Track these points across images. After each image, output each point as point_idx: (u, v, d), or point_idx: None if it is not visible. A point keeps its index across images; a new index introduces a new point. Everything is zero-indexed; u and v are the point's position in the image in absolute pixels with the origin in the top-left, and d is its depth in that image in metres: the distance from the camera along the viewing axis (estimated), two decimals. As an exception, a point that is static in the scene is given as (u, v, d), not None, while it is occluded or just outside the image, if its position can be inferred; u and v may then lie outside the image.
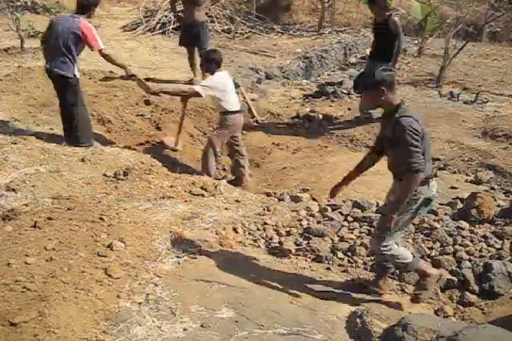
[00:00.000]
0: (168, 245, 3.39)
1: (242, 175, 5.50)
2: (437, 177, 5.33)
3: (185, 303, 2.77)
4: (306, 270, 3.48)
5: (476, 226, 3.97)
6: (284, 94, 8.55)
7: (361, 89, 2.98)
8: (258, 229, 3.99)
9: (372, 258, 3.64)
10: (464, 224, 3.96)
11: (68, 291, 2.64)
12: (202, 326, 2.59)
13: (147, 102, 6.50)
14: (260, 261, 3.52)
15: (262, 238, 3.89)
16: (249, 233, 3.92)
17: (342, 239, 3.88)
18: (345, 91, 8.29)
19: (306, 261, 3.65)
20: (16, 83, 6.62)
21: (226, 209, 4.18)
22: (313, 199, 4.63)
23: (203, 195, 4.39)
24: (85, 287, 2.71)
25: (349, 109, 7.44)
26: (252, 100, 7.73)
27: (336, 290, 3.18)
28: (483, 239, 3.78)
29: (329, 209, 4.31)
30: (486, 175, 5.37)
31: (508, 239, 3.75)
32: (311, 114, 7.23)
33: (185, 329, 2.56)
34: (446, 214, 4.21)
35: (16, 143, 4.78)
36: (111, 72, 7.63)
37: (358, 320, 2.77)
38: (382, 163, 5.89)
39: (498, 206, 4.24)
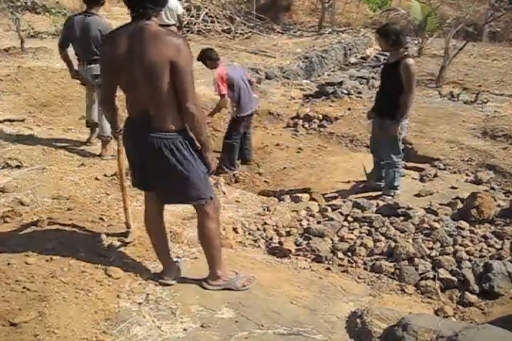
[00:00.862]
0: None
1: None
2: (437, 177, 5.33)
3: (185, 303, 2.77)
4: (306, 270, 3.48)
5: (476, 226, 3.97)
6: (284, 94, 8.55)
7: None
8: (258, 229, 4.00)
9: (373, 258, 3.64)
10: (464, 224, 3.96)
11: (68, 291, 2.64)
12: (202, 326, 2.59)
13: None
14: (260, 261, 3.52)
15: (262, 238, 3.89)
16: (249, 233, 3.92)
17: (342, 239, 3.89)
18: (345, 91, 8.29)
19: (306, 261, 3.65)
20: (15, 83, 6.63)
21: (226, 209, 4.18)
22: (313, 200, 4.64)
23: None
24: (85, 287, 2.71)
25: (349, 109, 7.45)
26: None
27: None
28: (483, 239, 3.78)
29: (329, 209, 4.31)
30: (486, 175, 5.37)
31: (508, 239, 3.75)
32: (311, 114, 7.24)
33: (185, 330, 2.56)
34: (446, 214, 4.21)
35: (16, 144, 4.79)
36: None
37: (358, 320, 2.77)
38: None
39: (498, 206, 4.24)
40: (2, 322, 2.38)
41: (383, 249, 3.71)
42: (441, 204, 4.48)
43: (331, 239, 3.89)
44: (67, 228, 3.26)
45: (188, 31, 12.27)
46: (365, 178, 5.05)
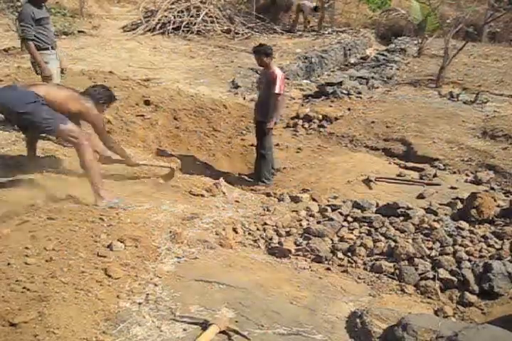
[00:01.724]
0: (168, 245, 3.39)
1: None
2: (437, 177, 5.34)
3: (185, 303, 2.77)
4: (306, 270, 3.48)
5: (476, 226, 3.97)
6: (284, 94, 8.54)
7: None
8: (258, 229, 3.99)
9: (373, 258, 3.64)
10: (464, 224, 3.96)
11: (68, 291, 2.64)
12: (202, 326, 2.59)
13: (147, 102, 6.51)
14: (260, 261, 3.52)
15: (262, 238, 3.89)
16: (249, 233, 3.92)
17: (342, 239, 3.88)
18: (344, 91, 8.30)
19: (306, 261, 3.65)
20: (15, 83, 6.61)
21: (226, 209, 4.18)
22: (313, 200, 4.64)
23: (202, 195, 4.40)
24: (85, 287, 2.71)
25: (349, 109, 7.45)
26: (252, 100, 7.73)
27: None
28: (483, 239, 3.77)
29: (329, 209, 4.31)
30: (485, 175, 5.37)
31: (508, 239, 3.75)
32: (311, 114, 7.24)
33: (185, 330, 2.56)
34: (446, 214, 4.21)
35: (15, 144, 4.79)
36: (110, 72, 7.64)
37: (357, 320, 2.77)
38: (382, 163, 5.92)
39: (498, 206, 4.24)
40: (2, 322, 2.38)
41: (383, 249, 3.71)
42: (441, 204, 4.48)
43: (331, 239, 3.89)
44: (67, 228, 3.26)
45: (187, 31, 12.28)
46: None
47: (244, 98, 7.79)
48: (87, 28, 12.09)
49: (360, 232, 3.97)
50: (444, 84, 9.03)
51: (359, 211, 4.28)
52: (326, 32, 13.65)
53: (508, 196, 4.87)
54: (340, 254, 3.71)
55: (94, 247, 3.12)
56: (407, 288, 3.36)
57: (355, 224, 4.05)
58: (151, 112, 6.52)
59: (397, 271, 3.49)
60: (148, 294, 2.81)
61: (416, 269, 3.48)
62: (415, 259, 3.55)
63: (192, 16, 12.72)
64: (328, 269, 3.55)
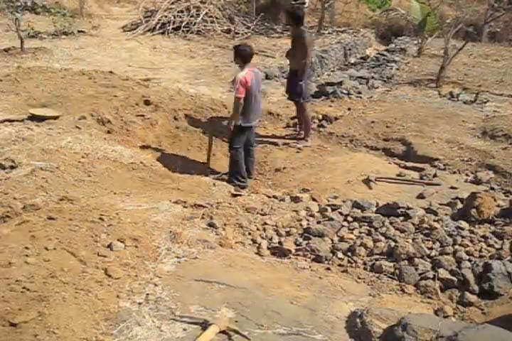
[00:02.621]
0: (168, 245, 3.39)
1: None
2: (437, 177, 5.34)
3: (185, 303, 2.77)
4: (306, 270, 3.48)
5: (476, 226, 3.97)
6: (284, 94, 8.54)
7: None
8: (258, 229, 3.99)
9: (373, 258, 3.64)
10: (464, 224, 3.96)
11: (68, 291, 2.64)
12: (202, 326, 2.59)
13: (147, 102, 6.51)
14: (260, 261, 3.52)
15: (262, 238, 3.89)
16: (249, 233, 3.92)
17: (342, 239, 3.88)
18: (345, 91, 8.29)
19: (306, 261, 3.65)
20: (15, 83, 6.63)
21: (226, 209, 4.17)
22: (313, 200, 4.63)
23: (203, 195, 4.40)
24: (85, 287, 2.71)
25: (349, 109, 7.45)
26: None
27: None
28: (483, 239, 3.77)
29: (329, 209, 4.31)
30: (485, 175, 5.37)
31: (508, 239, 3.75)
32: (311, 114, 7.23)
33: (185, 330, 2.56)
34: (446, 214, 4.21)
35: (15, 144, 4.79)
36: (110, 71, 7.65)
37: (357, 320, 2.77)
38: (382, 163, 5.92)
39: (498, 206, 4.24)
40: (2, 322, 2.38)
41: (383, 249, 3.71)
42: (441, 204, 4.48)
43: (331, 239, 3.89)
44: (67, 228, 3.26)
45: (187, 31, 12.28)
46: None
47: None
48: (87, 28, 12.10)
49: (360, 232, 3.97)
50: (444, 84, 9.02)
51: (359, 211, 4.28)
52: (326, 32, 13.65)
53: (507, 196, 4.87)
54: (340, 254, 3.71)
55: (94, 247, 3.12)
56: (407, 288, 3.36)
57: (355, 224, 4.05)
58: (151, 112, 6.52)
59: (397, 271, 3.49)
60: (148, 294, 2.81)
61: (416, 269, 3.48)
62: (415, 259, 3.55)
63: (192, 16, 12.71)
64: (328, 269, 3.55)
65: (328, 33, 13.55)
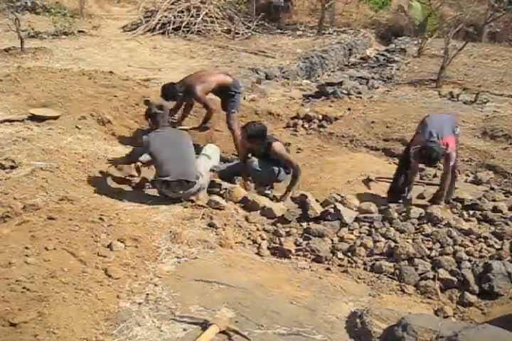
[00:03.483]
0: (168, 245, 3.39)
1: None
2: (437, 177, 5.33)
3: (185, 303, 2.77)
4: (306, 270, 3.48)
5: (476, 226, 3.97)
6: (284, 94, 8.56)
7: None
8: (258, 230, 3.99)
9: (373, 258, 3.64)
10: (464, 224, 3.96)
11: (68, 291, 2.64)
12: (202, 326, 2.59)
13: (147, 102, 6.50)
14: (260, 261, 3.52)
15: (262, 238, 3.89)
16: (249, 233, 3.92)
17: (342, 239, 3.88)
18: (345, 91, 8.30)
19: (306, 261, 3.65)
20: (15, 83, 6.62)
21: (226, 209, 4.17)
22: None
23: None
24: (85, 287, 2.71)
25: (349, 109, 7.45)
26: (252, 100, 7.74)
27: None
28: (483, 239, 3.78)
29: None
30: (485, 175, 5.37)
31: (508, 239, 3.75)
32: (311, 114, 7.24)
33: (185, 330, 2.56)
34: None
35: (15, 144, 4.78)
36: (111, 72, 7.64)
37: (357, 320, 2.77)
38: (382, 163, 5.92)
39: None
40: (2, 322, 2.38)
41: (383, 249, 3.71)
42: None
43: (331, 239, 3.89)
44: (67, 228, 3.26)
45: (187, 31, 12.28)
46: None
47: (244, 98, 7.77)
48: (87, 28, 12.10)
49: (360, 232, 3.97)
50: (444, 84, 9.03)
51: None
52: (326, 32, 13.66)
53: (507, 196, 4.87)
54: (340, 254, 3.71)
55: (94, 247, 3.12)
56: (407, 288, 3.36)
57: (355, 224, 4.05)
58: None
59: (397, 271, 3.49)
60: (148, 294, 2.81)
61: (416, 269, 3.48)
62: (415, 259, 3.55)
63: (192, 16, 12.72)
64: (328, 269, 3.55)
65: (329, 33, 13.56)
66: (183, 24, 12.40)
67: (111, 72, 7.63)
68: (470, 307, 3.23)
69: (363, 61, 11.69)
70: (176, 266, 3.17)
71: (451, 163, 4.40)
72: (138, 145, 4.49)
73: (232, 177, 5.06)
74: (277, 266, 3.48)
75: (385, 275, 3.49)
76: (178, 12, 12.80)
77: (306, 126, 7.10)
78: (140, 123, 6.22)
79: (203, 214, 3.93)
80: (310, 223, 4.05)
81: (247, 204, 4.28)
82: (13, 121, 5.45)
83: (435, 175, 5.39)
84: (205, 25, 12.69)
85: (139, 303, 2.73)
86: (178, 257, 3.26)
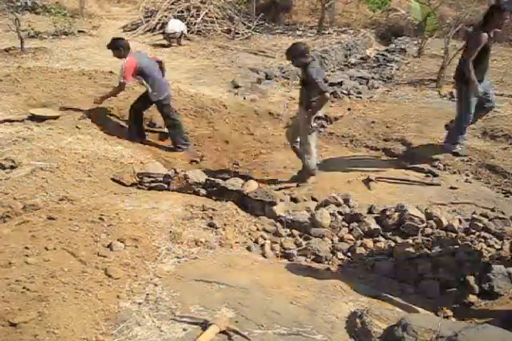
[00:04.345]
0: (168, 245, 3.39)
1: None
2: (437, 177, 5.33)
3: (185, 303, 2.77)
4: (306, 270, 3.48)
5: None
6: (284, 94, 8.55)
7: None
8: (258, 230, 3.99)
9: (373, 258, 3.64)
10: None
11: (68, 291, 2.64)
12: (202, 326, 2.59)
13: None
14: (260, 261, 3.52)
15: (263, 238, 3.89)
16: (249, 233, 3.92)
17: (342, 239, 3.88)
18: (345, 91, 8.30)
19: (306, 261, 3.65)
20: (15, 83, 6.62)
21: (226, 209, 4.17)
22: (313, 200, 4.63)
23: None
24: (85, 287, 2.71)
25: (349, 109, 7.45)
26: (252, 100, 7.74)
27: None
28: (483, 239, 3.77)
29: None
30: (485, 175, 5.36)
31: (508, 239, 3.75)
32: (311, 114, 7.22)
33: (185, 330, 2.56)
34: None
35: (15, 144, 4.79)
36: (111, 72, 7.65)
37: (357, 320, 2.77)
38: (382, 163, 5.92)
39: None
40: (2, 322, 2.38)
41: (383, 249, 3.71)
42: (441, 205, 4.47)
43: (331, 240, 3.89)
44: (67, 228, 3.26)
45: (188, 31, 12.28)
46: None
47: (244, 98, 7.78)
48: (87, 28, 12.10)
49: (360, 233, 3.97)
50: (444, 84, 9.02)
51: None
52: (326, 32, 13.66)
53: (507, 196, 4.87)
54: (340, 254, 3.71)
55: (94, 247, 3.12)
56: (407, 288, 3.36)
57: (356, 224, 4.05)
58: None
59: (397, 271, 3.49)
60: (148, 294, 2.81)
61: (416, 269, 3.48)
62: (415, 259, 3.55)
63: (192, 16, 12.72)
64: (328, 269, 3.55)
65: (329, 33, 13.56)
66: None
67: (111, 72, 7.64)
68: (470, 307, 3.22)
69: (363, 61, 11.69)
70: (176, 266, 3.17)
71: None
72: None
73: None
74: (277, 266, 3.48)
75: (385, 275, 3.49)
76: (178, 12, 12.81)
77: (306, 126, 7.09)
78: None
79: (203, 214, 3.93)
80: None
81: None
82: (13, 121, 5.46)
83: (435, 175, 5.37)
84: (205, 25, 12.70)
85: (139, 303, 2.73)
86: (178, 257, 3.26)
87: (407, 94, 8.51)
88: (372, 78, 9.51)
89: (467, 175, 5.42)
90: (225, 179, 4.70)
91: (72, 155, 4.71)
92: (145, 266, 3.08)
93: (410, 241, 3.77)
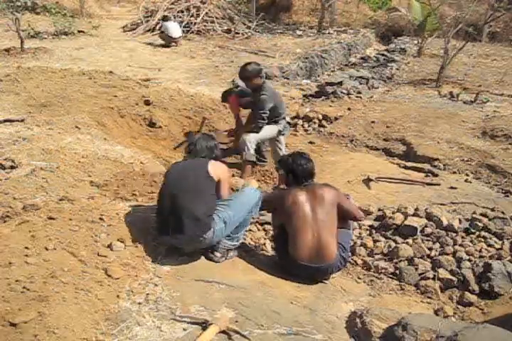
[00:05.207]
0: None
1: None
2: (437, 177, 5.34)
3: (185, 303, 2.77)
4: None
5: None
6: (283, 94, 8.55)
7: None
8: (258, 230, 3.99)
9: (373, 258, 3.64)
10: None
11: (68, 291, 2.64)
12: (202, 326, 2.59)
13: (147, 102, 6.51)
14: (260, 261, 3.52)
15: (263, 238, 3.89)
16: (249, 233, 3.92)
17: (342, 239, 3.88)
18: (344, 91, 8.30)
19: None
20: (15, 83, 6.62)
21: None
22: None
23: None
24: (85, 287, 2.71)
25: (349, 109, 7.45)
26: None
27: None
28: (483, 239, 3.78)
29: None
30: (486, 175, 5.36)
31: (508, 239, 3.75)
32: (311, 114, 7.24)
33: (185, 330, 2.56)
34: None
35: (15, 144, 4.78)
36: (111, 72, 7.65)
37: (358, 320, 2.77)
38: (382, 163, 5.92)
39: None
40: (2, 322, 2.38)
41: (383, 249, 3.71)
42: (441, 205, 4.47)
43: (331, 239, 3.88)
44: (67, 228, 3.25)
45: (188, 31, 12.30)
46: None
47: (244, 98, 7.77)
48: (87, 28, 12.10)
49: (360, 232, 3.97)
50: (444, 84, 9.02)
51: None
52: (326, 32, 13.66)
53: (507, 196, 4.87)
54: (340, 254, 3.70)
55: (94, 247, 3.11)
56: (407, 288, 3.36)
57: (355, 224, 4.05)
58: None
59: (397, 271, 3.49)
60: (148, 294, 2.81)
61: (416, 269, 3.48)
62: (415, 259, 3.55)
63: (192, 16, 12.73)
64: (328, 269, 3.55)
65: (329, 33, 13.56)
66: (183, 24, 12.41)
67: (111, 72, 7.64)
68: (470, 307, 3.23)
69: (362, 61, 11.69)
70: (176, 266, 3.17)
71: None
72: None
73: None
74: (277, 266, 3.48)
75: (385, 275, 3.49)
76: (178, 12, 12.81)
77: (306, 126, 7.10)
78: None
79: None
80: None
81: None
82: (13, 121, 5.45)
83: (436, 175, 5.37)
84: (205, 25, 12.71)
85: (139, 303, 2.73)
86: (178, 257, 3.25)
87: (407, 93, 8.51)
88: (372, 78, 9.51)
89: (467, 175, 5.42)
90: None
91: (72, 155, 4.71)
92: (145, 266, 3.08)
93: (410, 241, 3.77)
